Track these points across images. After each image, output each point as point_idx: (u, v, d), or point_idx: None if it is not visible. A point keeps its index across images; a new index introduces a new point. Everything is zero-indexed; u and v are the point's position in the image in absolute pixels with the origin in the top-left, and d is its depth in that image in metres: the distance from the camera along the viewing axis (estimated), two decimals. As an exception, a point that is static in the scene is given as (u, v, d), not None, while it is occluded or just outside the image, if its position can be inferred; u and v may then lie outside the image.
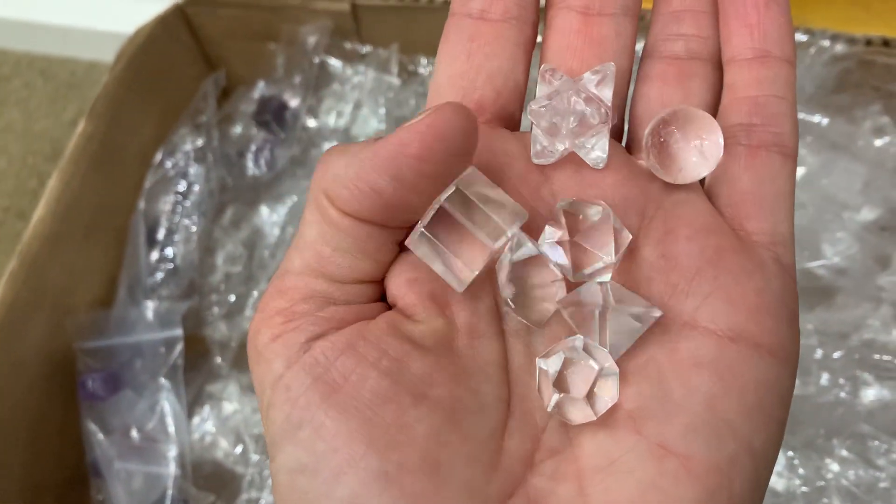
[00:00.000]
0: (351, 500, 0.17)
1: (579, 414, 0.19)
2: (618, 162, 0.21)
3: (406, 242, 0.19)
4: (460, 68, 0.21)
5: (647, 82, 0.22)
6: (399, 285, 0.19)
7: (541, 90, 0.21)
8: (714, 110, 0.22)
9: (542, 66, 0.21)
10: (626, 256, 0.20)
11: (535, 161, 0.21)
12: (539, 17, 0.22)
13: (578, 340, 0.19)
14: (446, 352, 0.19)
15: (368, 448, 0.17)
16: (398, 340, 0.18)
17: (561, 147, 0.20)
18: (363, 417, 0.17)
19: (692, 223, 0.20)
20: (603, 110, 0.20)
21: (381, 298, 0.20)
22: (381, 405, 0.17)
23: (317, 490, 0.17)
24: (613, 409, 0.19)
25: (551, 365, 0.19)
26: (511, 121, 0.22)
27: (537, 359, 0.19)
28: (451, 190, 0.18)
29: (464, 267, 0.19)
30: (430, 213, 0.18)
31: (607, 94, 0.21)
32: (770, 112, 0.20)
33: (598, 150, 0.20)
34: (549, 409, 0.19)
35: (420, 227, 0.19)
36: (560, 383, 0.19)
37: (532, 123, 0.21)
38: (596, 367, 0.19)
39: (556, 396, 0.18)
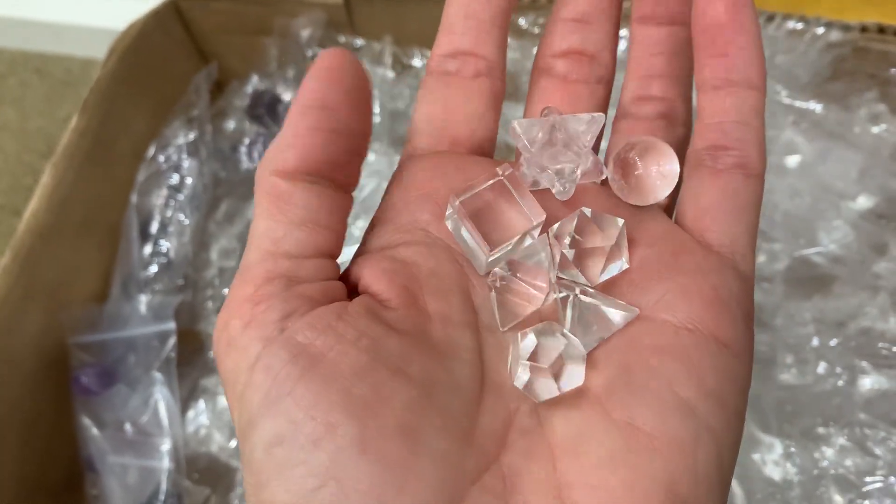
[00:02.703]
0: (328, 466, 0.17)
1: (546, 391, 0.19)
2: (588, 187, 0.23)
3: (445, 219, 0.21)
4: (437, 110, 0.24)
5: (618, 135, 0.25)
6: (373, 275, 0.20)
7: (528, 128, 0.22)
8: (677, 144, 0.24)
9: (542, 110, 0.23)
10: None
11: None
12: (505, 74, 0.25)
13: (551, 324, 0.20)
14: (421, 335, 0.19)
15: (346, 416, 0.17)
16: (375, 322, 0.19)
17: (544, 181, 0.22)
18: (342, 388, 0.18)
19: (652, 234, 0.22)
20: (585, 155, 0.22)
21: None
22: (360, 378, 0.18)
23: (294, 458, 0.17)
24: (581, 392, 0.20)
25: (525, 343, 0.20)
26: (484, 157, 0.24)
27: (516, 334, 0.20)
28: (493, 180, 0.20)
29: (486, 249, 0.20)
30: (469, 192, 0.20)
31: (590, 139, 0.22)
32: (735, 137, 0.22)
33: (568, 184, 0.22)
34: (518, 386, 0.19)
35: (456, 199, 0.20)
36: (530, 358, 0.20)
37: (519, 154, 0.23)
38: (563, 342, 0.20)
39: (526, 375, 0.19)
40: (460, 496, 0.18)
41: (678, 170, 0.22)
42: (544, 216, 0.21)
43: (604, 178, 0.23)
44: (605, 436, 0.19)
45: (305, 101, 0.19)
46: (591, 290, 0.21)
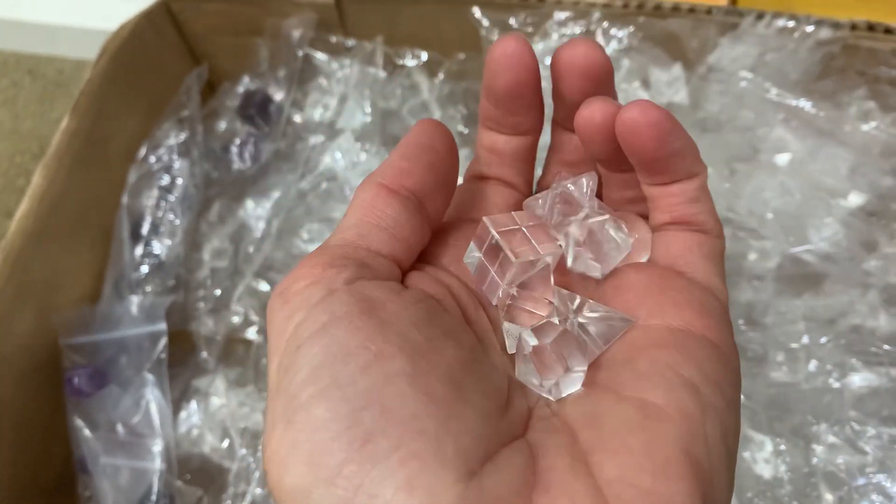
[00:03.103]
0: (374, 390, 0.18)
1: (553, 392, 0.21)
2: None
3: (464, 259, 0.23)
4: (465, 197, 0.27)
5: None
6: (426, 281, 0.22)
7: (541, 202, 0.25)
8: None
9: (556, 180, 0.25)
10: (584, 295, 0.24)
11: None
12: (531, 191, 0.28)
13: (551, 324, 0.21)
14: (466, 324, 0.22)
15: (399, 351, 0.18)
16: (432, 301, 0.21)
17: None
18: (399, 331, 0.19)
19: (636, 266, 0.24)
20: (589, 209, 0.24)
21: None
22: (417, 328, 0.19)
23: (341, 379, 0.18)
24: (589, 382, 0.21)
25: (525, 341, 0.21)
26: None
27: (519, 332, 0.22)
28: (509, 226, 0.23)
29: (498, 282, 0.22)
30: (486, 243, 0.22)
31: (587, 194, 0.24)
32: (688, 212, 0.24)
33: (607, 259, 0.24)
34: (522, 380, 0.21)
35: (478, 254, 0.23)
36: (533, 357, 0.21)
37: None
38: (564, 344, 0.21)
39: (532, 375, 0.21)
40: (494, 452, 0.18)
41: (650, 237, 0.25)
42: (560, 252, 0.23)
43: (627, 252, 0.24)
44: (618, 409, 0.19)
45: (414, 138, 0.23)
46: (587, 303, 0.22)
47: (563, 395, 0.21)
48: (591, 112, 0.22)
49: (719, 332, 0.22)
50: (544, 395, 0.21)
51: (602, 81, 0.23)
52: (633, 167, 0.23)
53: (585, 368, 0.21)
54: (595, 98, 0.23)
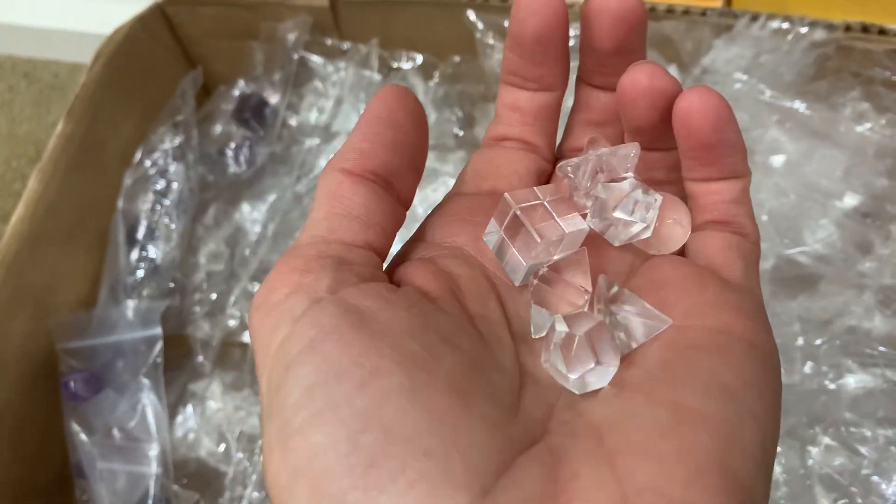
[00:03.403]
0: (373, 410, 0.16)
1: (580, 384, 0.20)
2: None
3: (483, 237, 0.22)
4: (483, 166, 0.25)
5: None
6: (418, 275, 0.21)
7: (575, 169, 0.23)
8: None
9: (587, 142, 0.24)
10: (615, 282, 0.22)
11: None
12: (553, 157, 0.26)
13: (585, 314, 0.20)
14: (467, 323, 0.20)
15: (396, 365, 0.17)
16: (425, 301, 0.20)
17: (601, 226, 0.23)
18: (393, 342, 0.18)
19: (673, 261, 0.23)
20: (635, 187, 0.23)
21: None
22: (411, 336, 0.18)
23: (336, 400, 0.17)
24: (619, 382, 0.20)
25: (559, 331, 0.20)
26: None
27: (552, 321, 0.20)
28: (531, 201, 0.21)
29: (520, 260, 0.21)
30: (528, 201, 0.21)
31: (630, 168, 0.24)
32: (731, 213, 0.23)
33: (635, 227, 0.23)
34: (551, 374, 0.20)
35: (498, 231, 0.21)
36: (562, 347, 0.20)
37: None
38: (599, 336, 0.20)
39: (560, 365, 0.20)
40: (507, 463, 0.17)
41: (690, 220, 0.24)
42: (588, 229, 0.22)
43: (648, 235, 0.23)
44: (650, 412, 0.18)
45: (374, 112, 0.21)
46: (626, 295, 0.21)
47: (589, 389, 0.20)
48: (638, 74, 0.21)
49: (759, 334, 0.20)
50: (569, 387, 0.20)
51: (635, 30, 0.22)
52: (674, 145, 0.23)
53: (617, 364, 0.20)
54: (643, 61, 0.22)
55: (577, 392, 0.20)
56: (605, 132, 0.25)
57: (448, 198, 0.25)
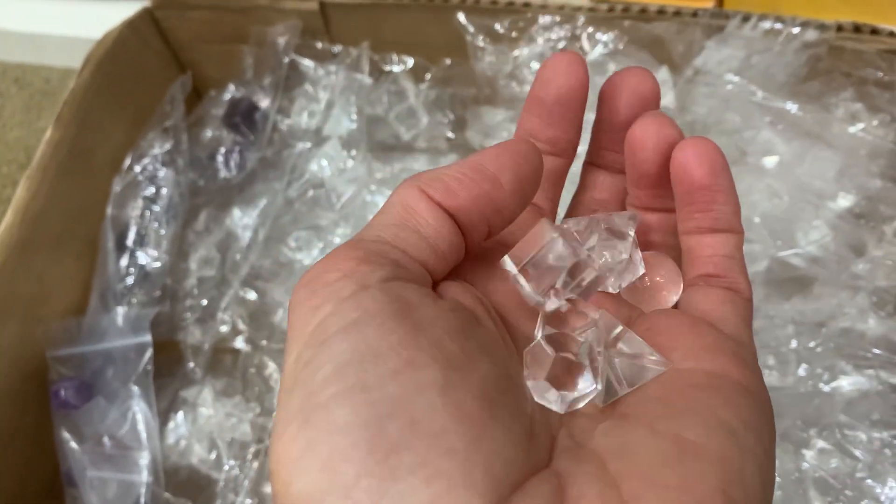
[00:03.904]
0: (404, 399, 0.16)
1: (561, 402, 0.20)
2: (604, 295, 0.25)
3: (501, 262, 0.22)
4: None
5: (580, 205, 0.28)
6: (462, 293, 0.21)
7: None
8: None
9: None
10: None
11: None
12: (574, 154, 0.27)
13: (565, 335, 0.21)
14: (502, 339, 0.21)
15: (432, 360, 0.17)
16: (467, 311, 0.20)
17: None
18: (433, 338, 0.18)
19: (669, 312, 0.23)
20: (632, 251, 0.24)
21: None
22: (452, 338, 0.18)
23: (369, 382, 0.16)
24: (620, 414, 0.20)
25: (541, 350, 0.20)
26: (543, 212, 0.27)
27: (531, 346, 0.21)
28: (547, 242, 0.22)
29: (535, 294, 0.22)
30: (525, 258, 0.22)
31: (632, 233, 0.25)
32: (724, 267, 0.23)
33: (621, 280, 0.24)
34: (535, 397, 0.20)
35: (512, 265, 0.22)
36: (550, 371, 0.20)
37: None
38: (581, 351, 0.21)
39: (544, 387, 0.20)
40: (523, 480, 0.17)
41: (681, 277, 0.24)
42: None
43: (641, 273, 0.24)
44: (653, 443, 0.18)
45: (486, 161, 0.21)
46: (628, 335, 0.21)
47: (570, 408, 0.20)
48: (646, 126, 0.23)
49: (754, 382, 0.21)
50: (548, 405, 0.20)
51: (650, 105, 0.24)
52: (671, 206, 0.24)
53: (599, 386, 0.20)
54: (649, 113, 0.23)
55: (558, 410, 0.20)
56: (609, 209, 0.26)
57: None
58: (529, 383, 0.20)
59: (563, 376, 0.20)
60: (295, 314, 0.19)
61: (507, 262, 0.22)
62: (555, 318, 0.21)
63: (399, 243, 0.20)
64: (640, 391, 0.20)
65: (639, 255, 0.24)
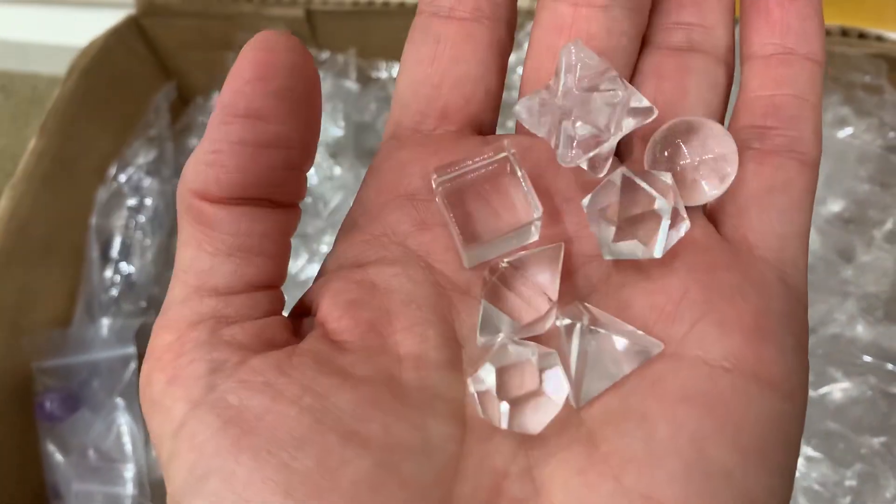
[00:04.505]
0: None
1: (535, 419, 0.16)
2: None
3: (433, 178, 0.17)
4: (424, 73, 0.20)
5: (641, 78, 0.20)
6: (333, 306, 0.17)
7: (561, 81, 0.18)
8: (719, 114, 0.20)
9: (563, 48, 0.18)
10: (600, 278, 0.18)
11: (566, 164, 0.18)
12: (516, 15, 0.20)
13: (502, 342, 0.17)
14: (385, 383, 0.16)
15: (285, 498, 0.15)
16: (324, 373, 0.16)
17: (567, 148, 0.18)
18: (280, 462, 0.15)
19: (683, 244, 0.18)
20: (627, 91, 0.18)
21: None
22: (302, 447, 0.15)
23: None
24: (588, 452, 0.16)
25: (485, 378, 0.16)
26: (484, 129, 0.21)
27: (468, 379, 0.16)
28: (486, 159, 0.17)
29: (462, 241, 0.17)
30: (454, 171, 0.17)
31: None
32: (788, 114, 0.18)
33: (601, 160, 0.18)
34: (503, 426, 0.16)
35: (437, 178, 0.17)
36: (503, 393, 0.16)
37: (521, 128, 0.20)
38: (533, 357, 0.16)
39: (505, 408, 0.16)
40: None
41: (737, 160, 0.18)
42: (541, 211, 0.18)
43: (655, 115, 0.18)
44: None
45: (228, 107, 0.16)
46: (606, 318, 0.17)
47: (533, 427, 0.16)
48: None
49: (778, 362, 0.16)
50: (497, 423, 0.16)
51: None
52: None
53: (565, 398, 0.16)
54: None
55: (505, 428, 0.16)
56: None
57: (384, 145, 0.20)
58: (472, 391, 0.16)
59: (516, 387, 0.16)
60: (147, 425, 0.17)
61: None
62: (496, 291, 0.17)
63: (207, 281, 0.16)
64: (620, 399, 0.16)
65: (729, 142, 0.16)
